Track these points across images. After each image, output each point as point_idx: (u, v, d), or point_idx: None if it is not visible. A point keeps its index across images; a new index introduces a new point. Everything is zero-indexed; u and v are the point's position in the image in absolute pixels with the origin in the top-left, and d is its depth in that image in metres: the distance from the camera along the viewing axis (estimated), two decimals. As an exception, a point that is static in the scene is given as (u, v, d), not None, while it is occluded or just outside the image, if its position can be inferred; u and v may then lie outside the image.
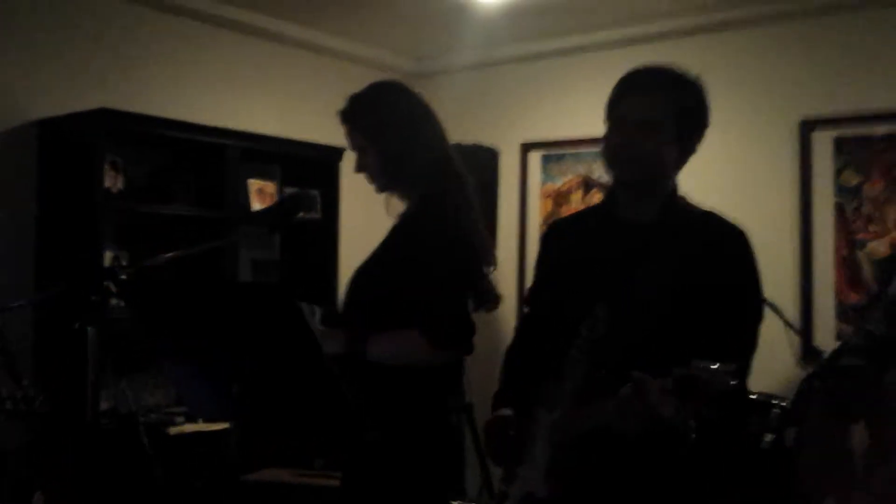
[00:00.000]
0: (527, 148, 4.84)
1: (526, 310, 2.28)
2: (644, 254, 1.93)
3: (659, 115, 1.91)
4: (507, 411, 2.09)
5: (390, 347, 2.15)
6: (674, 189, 2.02)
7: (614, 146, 1.97)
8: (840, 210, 3.87)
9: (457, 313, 2.17)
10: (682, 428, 1.63)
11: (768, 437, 3.13)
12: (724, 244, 1.94)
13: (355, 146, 2.34)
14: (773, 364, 2.07)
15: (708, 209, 2.02)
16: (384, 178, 2.31)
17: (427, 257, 2.15)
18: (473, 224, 2.25)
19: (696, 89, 1.98)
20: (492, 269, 2.27)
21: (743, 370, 1.84)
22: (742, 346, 1.89)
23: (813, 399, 1.61)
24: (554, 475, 1.93)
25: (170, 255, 2.27)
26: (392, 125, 2.26)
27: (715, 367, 1.54)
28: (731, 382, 1.52)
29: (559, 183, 4.72)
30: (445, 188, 2.23)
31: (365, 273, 2.30)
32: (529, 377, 2.07)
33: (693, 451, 1.78)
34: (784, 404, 3.13)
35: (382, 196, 2.36)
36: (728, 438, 1.75)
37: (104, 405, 3.64)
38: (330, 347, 2.03)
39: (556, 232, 2.25)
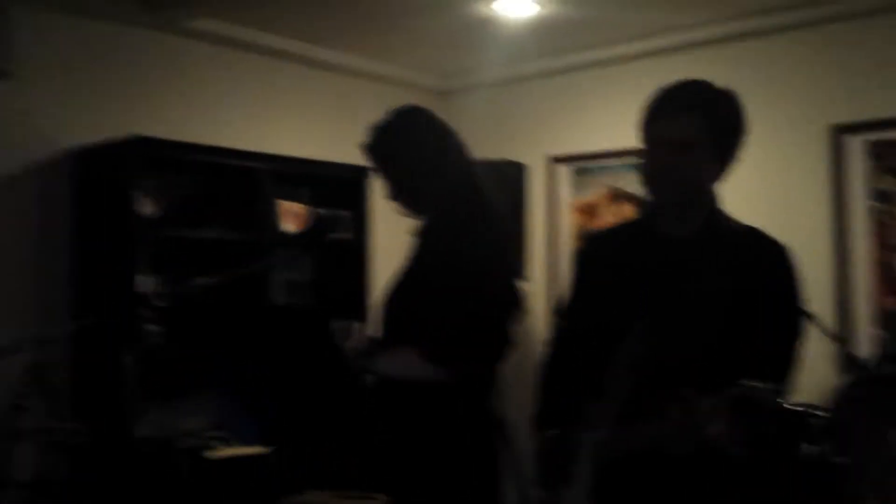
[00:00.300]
0: (554, 162, 4.83)
1: (563, 325, 2.23)
2: (686, 269, 1.91)
3: (695, 135, 1.88)
4: (554, 432, 2.06)
5: (391, 364, 2.19)
6: (714, 202, 1.99)
7: (653, 169, 1.94)
8: (875, 214, 3.82)
9: (457, 329, 2.13)
10: (732, 448, 1.60)
11: (809, 448, 3.08)
12: (767, 261, 1.91)
13: (378, 175, 2.40)
14: (811, 373, 2.04)
15: (750, 225, 1.99)
16: (403, 204, 2.36)
17: (430, 274, 2.19)
18: (493, 238, 2.24)
19: (731, 102, 1.94)
20: (521, 281, 2.28)
21: (786, 389, 1.82)
22: (785, 365, 1.86)
23: (857, 407, 1.58)
24: (598, 496, 1.90)
25: (206, 279, 2.30)
26: (405, 155, 2.32)
27: (765, 386, 1.53)
28: (783, 402, 1.52)
29: (588, 196, 4.70)
30: (456, 207, 2.25)
31: (393, 295, 2.32)
32: (570, 395, 2.05)
33: (743, 472, 1.75)
34: (824, 414, 3.08)
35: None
36: (780, 458, 1.73)
37: (142, 431, 3.67)
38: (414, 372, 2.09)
39: (594, 247, 2.22)
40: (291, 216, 4.27)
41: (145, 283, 3.71)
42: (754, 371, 1.64)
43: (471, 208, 2.26)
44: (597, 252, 2.17)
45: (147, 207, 3.77)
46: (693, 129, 1.88)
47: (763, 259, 1.91)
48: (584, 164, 4.71)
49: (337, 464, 2.62)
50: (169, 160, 3.84)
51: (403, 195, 2.35)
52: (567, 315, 2.22)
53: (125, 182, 3.64)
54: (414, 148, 2.32)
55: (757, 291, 1.84)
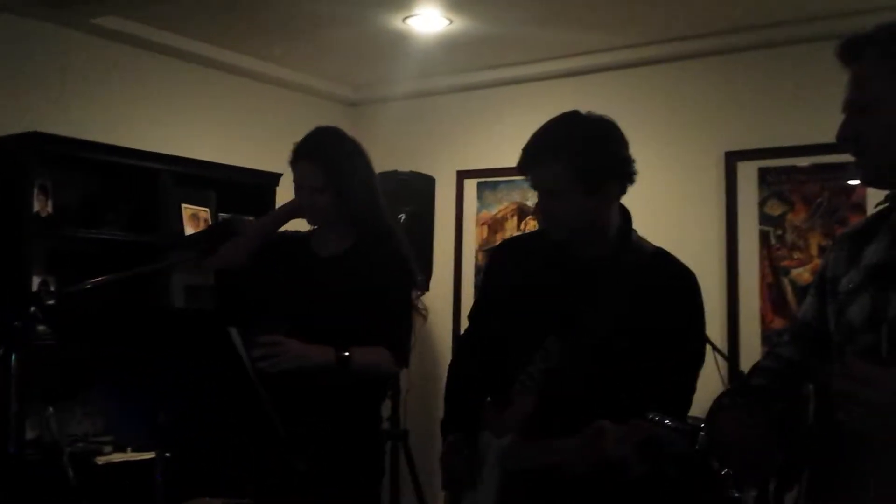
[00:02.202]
0: (462, 176, 4.90)
1: (470, 330, 2.30)
2: (595, 290, 1.96)
3: (561, 183, 1.94)
4: (458, 436, 2.11)
5: (371, 360, 2.39)
6: (625, 223, 2.04)
7: (537, 210, 2.05)
8: (765, 238, 4.00)
9: (409, 333, 2.49)
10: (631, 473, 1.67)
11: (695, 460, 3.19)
12: (672, 287, 1.98)
13: (309, 181, 2.47)
14: (701, 388, 2.13)
15: (658, 248, 2.05)
16: (334, 215, 2.50)
17: (389, 285, 2.44)
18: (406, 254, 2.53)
19: (595, 142, 1.96)
20: (421, 293, 2.58)
21: (684, 414, 1.93)
22: (683, 391, 1.94)
23: (722, 415, 1.67)
24: (504, 501, 1.94)
25: (99, 279, 2.25)
26: (355, 172, 2.50)
27: (672, 424, 1.61)
28: (689, 444, 1.60)
29: (494, 210, 4.78)
30: (391, 225, 2.55)
31: (325, 300, 2.46)
32: (475, 400, 2.11)
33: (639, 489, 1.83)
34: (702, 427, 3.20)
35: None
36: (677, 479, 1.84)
37: (30, 434, 3.55)
38: (320, 359, 2.30)
39: (506, 253, 2.27)
40: (195, 220, 4.21)
41: (38, 282, 3.60)
42: (653, 396, 1.76)
43: (397, 229, 2.58)
44: (509, 258, 2.22)
45: (43, 205, 3.66)
46: (559, 178, 1.94)
47: (669, 285, 1.97)
48: (491, 179, 4.79)
49: (229, 470, 2.60)
50: (67, 158, 3.74)
51: (331, 205, 2.47)
52: (475, 320, 2.28)
53: (20, 178, 3.54)
54: (352, 160, 2.52)
55: (661, 317, 1.91)
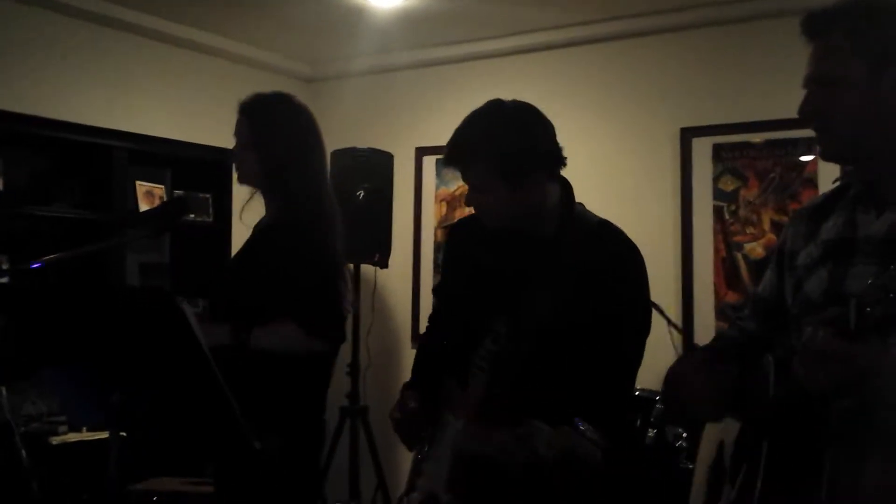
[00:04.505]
0: (421, 152, 4.88)
1: (436, 305, 2.33)
2: (543, 269, 1.97)
3: (484, 181, 1.96)
4: (408, 392, 2.13)
5: (271, 337, 2.27)
6: (566, 198, 2.04)
7: (466, 203, 2.07)
8: (719, 214, 4.05)
9: (327, 304, 2.33)
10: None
11: (651, 433, 3.25)
12: (614, 261, 1.99)
13: (240, 136, 2.44)
14: (656, 361, 2.16)
15: (602, 220, 2.06)
16: (259, 177, 2.43)
17: (302, 255, 2.31)
18: (337, 245, 2.41)
19: (514, 136, 1.96)
20: (347, 287, 2.44)
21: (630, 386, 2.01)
22: (628, 364, 1.98)
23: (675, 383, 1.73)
24: (453, 485, 1.97)
25: (51, 257, 2.21)
26: (285, 135, 2.40)
27: (593, 436, 1.76)
28: (599, 455, 1.77)
29: (453, 188, 4.78)
30: (318, 193, 2.41)
31: (238, 271, 2.43)
32: (433, 375, 2.13)
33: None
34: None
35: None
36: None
37: (-19, 415, 3.50)
38: (215, 339, 2.11)
39: (458, 233, 2.28)
40: (149, 197, 4.15)
41: (-11, 261, 3.54)
42: (602, 373, 1.87)
43: (328, 214, 2.42)
44: (464, 237, 2.23)
45: (-8, 182, 3.59)
46: (481, 176, 1.96)
47: (611, 260, 1.99)
48: (449, 156, 4.78)
49: (186, 450, 2.59)
50: (16, 134, 3.66)
51: (260, 169, 2.40)
52: (438, 296, 2.32)
53: (-32, 155, 3.46)
54: (291, 128, 2.42)
55: (604, 292, 1.93)
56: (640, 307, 2.03)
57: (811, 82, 1.57)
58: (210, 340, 2.04)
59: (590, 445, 1.77)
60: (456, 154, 2.00)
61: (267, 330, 2.28)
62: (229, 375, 2.09)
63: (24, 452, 3.10)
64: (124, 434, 2.01)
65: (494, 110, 2.00)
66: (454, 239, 2.29)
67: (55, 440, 3.51)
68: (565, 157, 2.01)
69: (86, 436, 3.53)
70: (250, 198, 2.51)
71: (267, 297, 2.30)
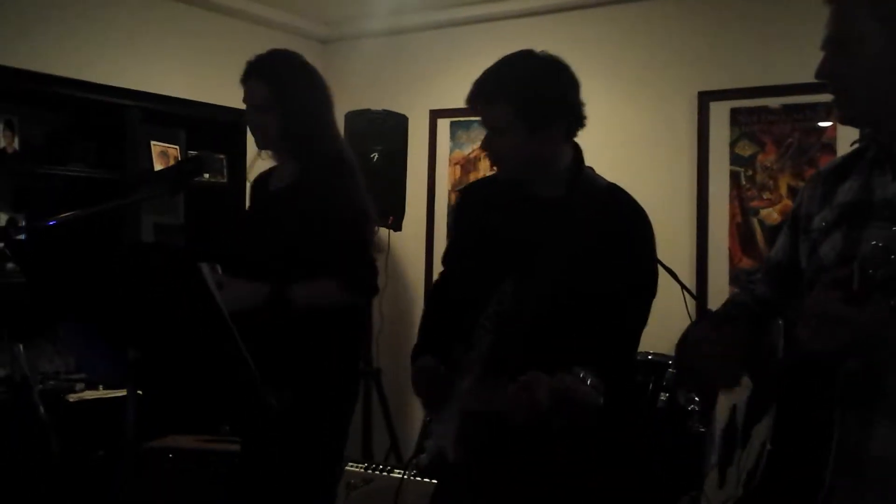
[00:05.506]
0: (435, 115, 4.85)
1: (443, 270, 2.34)
2: (550, 230, 1.97)
3: (504, 120, 1.95)
4: (426, 359, 2.13)
5: (313, 293, 2.33)
6: (576, 162, 2.05)
7: (486, 148, 2.06)
8: (735, 179, 4.02)
9: (363, 258, 2.41)
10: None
11: (663, 397, 3.26)
12: (622, 225, 1.99)
13: (258, 100, 2.42)
14: (670, 326, 2.16)
15: (611, 183, 2.06)
16: (278, 139, 2.44)
17: (336, 212, 2.35)
18: (366, 199, 2.47)
19: (541, 81, 1.97)
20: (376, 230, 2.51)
21: (633, 346, 2.02)
22: (630, 325, 1.99)
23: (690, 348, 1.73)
24: (461, 442, 1.98)
25: (67, 214, 2.21)
26: (306, 95, 2.41)
27: (590, 381, 1.79)
28: (599, 400, 1.80)
29: (467, 150, 4.76)
30: (341, 153, 2.46)
31: (269, 235, 2.41)
32: (444, 339, 2.14)
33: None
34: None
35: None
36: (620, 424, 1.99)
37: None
38: (251, 297, 2.23)
39: (469, 197, 2.29)
40: (164, 157, 4.16)
41: (6, 219, 3.56)
42: (606, 332, 1.90)
43: (351, 162, 2.47)
44: (472, 202, 2.24)
45: (9, 141, 3.60)
46: (503, 114, 1.95)
47: (619, 224, 1.99)
48: (464, 119, 4.75)
49: (202, 408, 2.62)
50: (33, 93, 3.66)
51: (280, 128, 2.41)
52: (446, 263, 2.32)
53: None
54: (307, 83, 2.45)
55: (611, 255, 1.94)
56: (646, 269, 2.03)
57: (829, 44, 1.55)
58: (247, 299, 2.19)
59: (589, 389, 1.79)
60: (481, 91, 1.99)
61: (307, 286, 2.32)
62: (272, 334, 2.20)
63: (41, 409, 3.15)
64: (140, 392, 2.03)
65: (528, 55, 2.01)
66: (465, 201, 2.29)
67: (72, 397, 3.55)
68: (585, 118, 2.01)
69: (102, 393, 3.58)
70: (256, 158, 2.53)
71: (301, 255, 2.35)
